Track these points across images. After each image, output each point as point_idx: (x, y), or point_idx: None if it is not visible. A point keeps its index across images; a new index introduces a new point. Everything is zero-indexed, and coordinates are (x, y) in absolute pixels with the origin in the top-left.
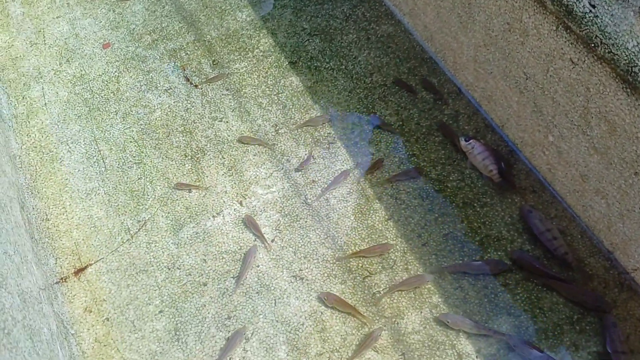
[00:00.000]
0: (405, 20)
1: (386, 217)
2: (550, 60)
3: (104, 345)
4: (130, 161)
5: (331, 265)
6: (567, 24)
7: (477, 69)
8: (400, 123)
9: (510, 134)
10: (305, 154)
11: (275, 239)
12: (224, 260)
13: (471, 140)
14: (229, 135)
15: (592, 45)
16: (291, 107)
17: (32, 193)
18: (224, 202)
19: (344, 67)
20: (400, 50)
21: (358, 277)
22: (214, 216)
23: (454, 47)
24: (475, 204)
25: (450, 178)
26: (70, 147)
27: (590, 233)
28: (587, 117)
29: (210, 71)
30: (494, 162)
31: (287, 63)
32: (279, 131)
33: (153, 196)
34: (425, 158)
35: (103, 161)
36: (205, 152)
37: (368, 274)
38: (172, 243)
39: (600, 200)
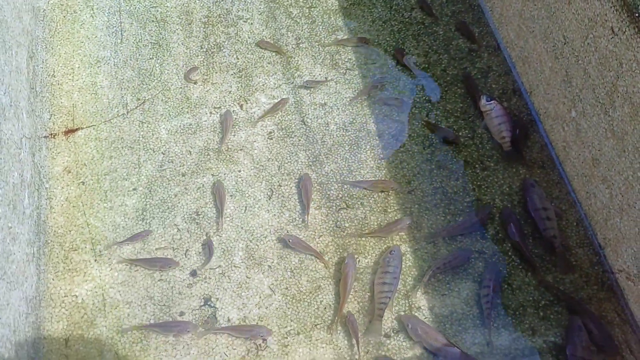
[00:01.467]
0: None
1: (381, 155)
2: (592, 25)
3: (73, 206)
4: (147, 40)
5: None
6: None
7: (520, 25)
8: (427, 65)
9: (536, 102)
10: (320, 75)
11: (264, 149)
12: (208, 156)
13: (492, 101)
14: (249, 37)
15: (637, 14)
16: (320, 23)
17: (46, 47)
18: (225, 101)
19: None
20: None
21: (334, 207)
22: (211, 112)
23: None
24: (476, 165)
25: (460, 133)
26: (94, 12)
27: (587, 223)
28: (613, 95)
29: None
30: (509, 129)
31: None
32: (300, 45)
33: (159, 79)
34: (440, 106)
35: (121, 33)
36: (222, 48)
37: (345, 206)
38: (163, 128)
39: (604, 190)
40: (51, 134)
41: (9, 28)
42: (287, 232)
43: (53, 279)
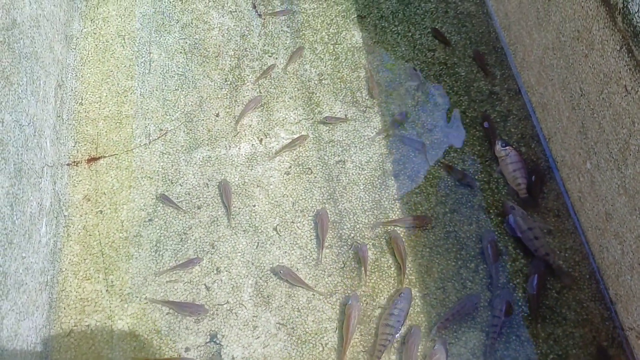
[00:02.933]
0: (490, 2)
1: (396, 196)
2: (606, 81)
3: (89, 235)
4: (174, 71)
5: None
6: (630, 46)
7: (540, 72)
8: (447, 106)
9: (554, 150)
10: (340, 112)
11: (279, 185)
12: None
13: (507, 147)
14: (273, 72)
15: None
16: (343, 60)
17: (76, 75)
18: (245, 135)
19: (410, 34)
20: (474, 32)
21: (345, 247)
22: (230, 146)
23: (527, 42)
24: (491, 211)
25: (476, 177)
26: (125, 42)
27: (599, 277)
28: (626, 152)
29: (279, 4)
30: (524, 176)
31: (355, 16)
32: (322, 81)
33: (182, 110)
34: (458, 148)
35: (149, 64)
36: (245, 81)
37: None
38: (183, 159)
39: (617, 245)
40: (74, 162)
41: (39, 59)
42: (280, 264)
43: (64, 308)
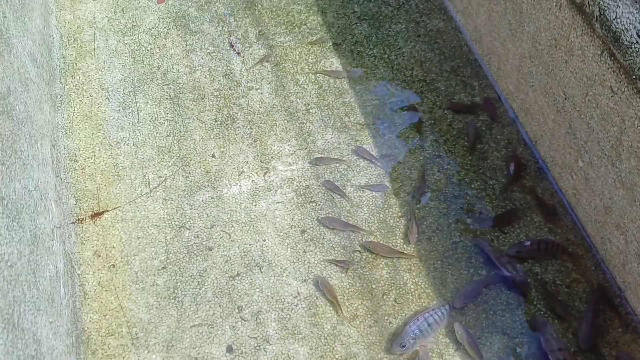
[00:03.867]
0: (458, 17)
1: (399, 214)
2: (590, 84)
3: (106, 290)
4: (163, 117)
5: (335, 252)
6: (612, 50)
7: (519, 80)
8: (432, 122)
9: (542, 151)
10: (332, 138)
11: (285, 217)
12: (232, 229)
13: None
14: (260, 107)
15: (634, 77)
16: (327, 88)
17: (66, 133)
18: (243, 171)
19: (386, 56)
20: (446, 48)
21: (359, 269)
22: (231, 185)
23: (501, 53)
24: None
25: (472, 185)
26: (109, 95)
27: (605, 267)
28: (619, 149)
29: (255, 41)
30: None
31: (331, 44)
32: (310, 110)
33: (178, 155)
34: (450, 161)
35: (137, 113)
36: (235, 119)
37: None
38: (186, 204)
39: (619, 236)
40: (79, 219)
41: (34, 122)
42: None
43: None
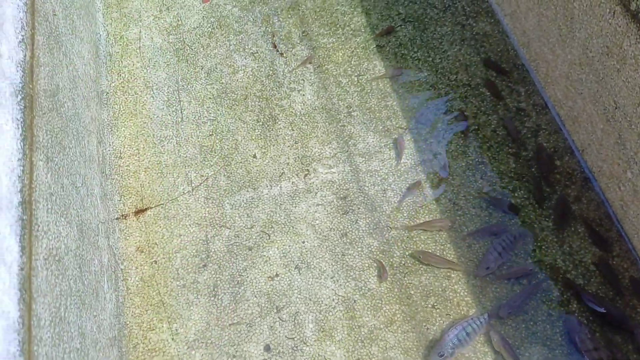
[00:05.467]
0: (505, 21)
1: (441, 217)
2: None
3: (148, 286)
4: (206, 117)
5: (375, 255)
6: None
7: (568, 87)
8: (476, 127)
9: (589, 161)
10: (373, 142)
11: (325, 220)
12: (272, 229)
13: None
14: (302, 109)
15: None
16: (369, 91)
17: (111, 130)
18: (284, 173)
19: (431, 59)
20: (493, 52)
21: (398, 274)
22: (271, 185)
23: (549, 59)
24: (535, 225)
25: (515, 194)
26: (154, 93)
27: None
28: None
29: (298, 42)
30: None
31: (374, 46)
32: (352, 113)
33: (220, 154)
34: (494, 168)
35: (181, 112)
36: (277, 120)
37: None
38: (227, 203)
39: None
40: (122, 215)
41: (81, 119)
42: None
43: None
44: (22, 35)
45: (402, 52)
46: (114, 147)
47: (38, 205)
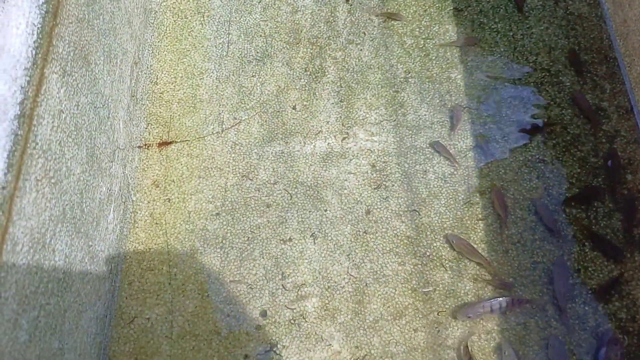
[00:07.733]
0: (606, 5)
1: (480, 216)
2: None
3: (156, 224)
4: (252, 55)
5: (397, 241)
6: None
7: None
8: (546, 119)
9: None
10: (427, 114)
11: (354, 191)
12: (296, 190)
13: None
14: (356, 65)
15: None
16: (434, 58)
17: (152, 52)
18: (321, 131)
19: (511, 34)
20: (584, 37)
21: (420, 265)
22: (305, 143)
23: None
24: (586, 243)
25: (573, 203)
26: (204, 20)
27: None
28: None
29: None
30: None
31: (451, 8)
32: (409, 79)
33: (258, 99)
34: (554, 169)
35: (228, 46)
36: (326, 73)
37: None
38: (255, 153)
39: None
40: (145, 145)
41: (117, 35)
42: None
43: (126, 298)
44: None
45: (481, 20)
46: (151, 71)
47: (41, 121)
